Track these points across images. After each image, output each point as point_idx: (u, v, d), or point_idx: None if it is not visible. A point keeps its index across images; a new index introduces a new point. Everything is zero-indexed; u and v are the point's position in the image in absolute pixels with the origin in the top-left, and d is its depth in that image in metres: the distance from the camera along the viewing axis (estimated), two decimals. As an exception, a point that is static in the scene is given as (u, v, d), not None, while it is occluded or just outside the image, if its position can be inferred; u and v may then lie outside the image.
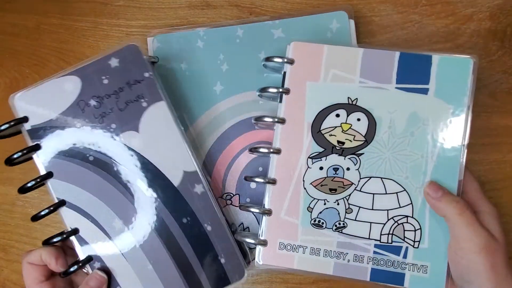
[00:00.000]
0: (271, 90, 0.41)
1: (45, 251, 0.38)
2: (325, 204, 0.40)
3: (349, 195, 0.40)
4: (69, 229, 0.40)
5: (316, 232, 0.40)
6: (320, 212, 0.40)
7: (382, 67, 0.40)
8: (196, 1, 0.49)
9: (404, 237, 0.39)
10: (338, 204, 0.40)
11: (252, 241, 0.41)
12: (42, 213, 0.40)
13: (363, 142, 0.40)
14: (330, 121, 0.40)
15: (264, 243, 0.40)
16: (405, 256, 0.39)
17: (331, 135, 0.40)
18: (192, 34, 0.46)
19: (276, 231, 0.40)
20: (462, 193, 0.38)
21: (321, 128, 0.40)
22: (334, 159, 0.40)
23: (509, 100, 0.46)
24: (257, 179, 0.41)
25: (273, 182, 0.40)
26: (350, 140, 0.40)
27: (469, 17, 0.47)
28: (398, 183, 0.39)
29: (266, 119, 0.41)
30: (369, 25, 0.47)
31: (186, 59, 0.46)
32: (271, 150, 0.41)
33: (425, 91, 0.39)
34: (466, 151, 0.38)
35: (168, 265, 0.40)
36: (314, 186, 0.40)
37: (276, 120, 0.41)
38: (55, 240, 0.40)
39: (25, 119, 0.41)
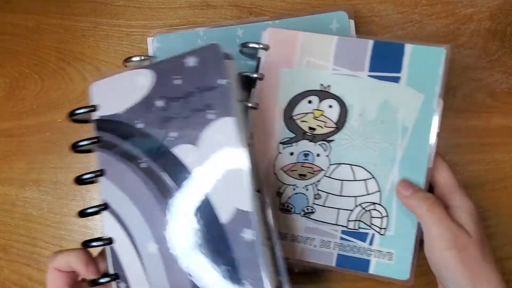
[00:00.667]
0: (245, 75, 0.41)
1: (74, 256, 0.34)
2: (294, 189, 0.40)
3: (318, 181, 0.40)
4: (106, 237, 0.36)
5: (284, 217, 0.40)
6: (289, 197, 0.40)
7: (356, 55, 0.40)
8: (196, 1, 0.49)
9: (371, 224, 0.39)
10: (307, 189, 0.40)
11: None
12: (89, 211, 0.36)
13: (334, 129, 0.40)
14: (302, 107, 0.41)
15: None
16: (371, 243, 0.39)
17: (302, 121, 0.41)
18: (192, 34, 0.46)
19: None
20: (436, 187, 0.38)
21: (293, 114, 0.41)
22: (304, 145, 0.40)
23: (509, 100, 0.46)
24: None
25: None
26: (321, 127, 0.40)
27: (469, 17, 0.47)
28: (367, 170, 0.39)
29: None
30: (369, 25, 0.47)
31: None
32: None
33: (397, 80, 0.39)
34: (438, 139, 0.38)
35: None
36: (284, 172, 0.40)
37: (249, 105, 0.41)
38: (94, 244, 0.36)
39: (93, 108, 0.38)
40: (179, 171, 0.35)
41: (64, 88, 0.49)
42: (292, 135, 0.41)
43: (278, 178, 0.40)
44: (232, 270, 0.33)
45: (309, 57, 0.40)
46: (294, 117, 0.41)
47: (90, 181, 0.37)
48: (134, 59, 0.45)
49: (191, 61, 0.35)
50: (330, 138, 0.40)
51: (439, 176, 0.38)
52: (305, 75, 0.41)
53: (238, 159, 0.33)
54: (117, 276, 0.36)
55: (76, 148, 0.37)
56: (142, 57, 0.45)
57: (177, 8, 0.49)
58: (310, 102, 0.40)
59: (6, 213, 0.48)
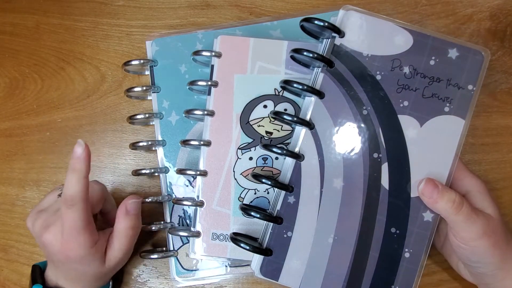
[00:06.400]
0: (200, 83, 0.42)
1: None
2: (255, 193, 0.41)
3: None
4: (300, 153, 0.38)
5: (247, 221, 0.41)
6: (251, 202, 0.41)
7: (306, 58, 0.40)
8: (196, 1, 0.49)
9: None
10: (268, 193, 0.41)
11: (185, 234, 0.41)
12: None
13: (290, 131, 0.41)
14: (258, 112, 0.42)
15: (197, 234, 0.41)
16: None
17: (259, 125, 0.42)
18: (191, 37, 0.46)
19: (209, 222, 0.41)
20: None
21: (250, 119, 0.42)
22: (263, 149, 0.41)
23: (509, 100, 0.46)
24: (188, 172, 0.42)
25: (204, 174, 0.41)
26: (278, 130, 0.42)
27: (469, 17, 0.47)
28: None
29: (196, 112, 0.42)
30: (369, 25, 0.47)
31: (186, 62, 0.45)
32: (202, 143, 0.41)
33: None
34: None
35: (345, 257, 0.38)
36: (244, 176, 0.41)
37: (205, 112, 0.41)
38: (275, 151, 0.38)
39: (340, 33, 0.38)
40: (394, 135, 0.38)
41: (64, 88, 0.49)
42: (250, 140, 0.42)
43: (238, 183, 0.41)
44: (399, 235, 0.37)
45: (261, 62, 0.42)
46: (251, 122, 0.42)
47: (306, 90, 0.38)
48: (133, 62, 0.45)
49: (452, 53, 0.38)
50: (288, 141, 0.41)
51: None
52: (259, 80, 0.42)
53: (446, 160, 0.37)
54: (291, 189, 0.38)
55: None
56: (142, 61, 0.45)
57: (177, 8, 0.49)
58: (265, 106, 0.42)
59: (6, 213, 0.48)
